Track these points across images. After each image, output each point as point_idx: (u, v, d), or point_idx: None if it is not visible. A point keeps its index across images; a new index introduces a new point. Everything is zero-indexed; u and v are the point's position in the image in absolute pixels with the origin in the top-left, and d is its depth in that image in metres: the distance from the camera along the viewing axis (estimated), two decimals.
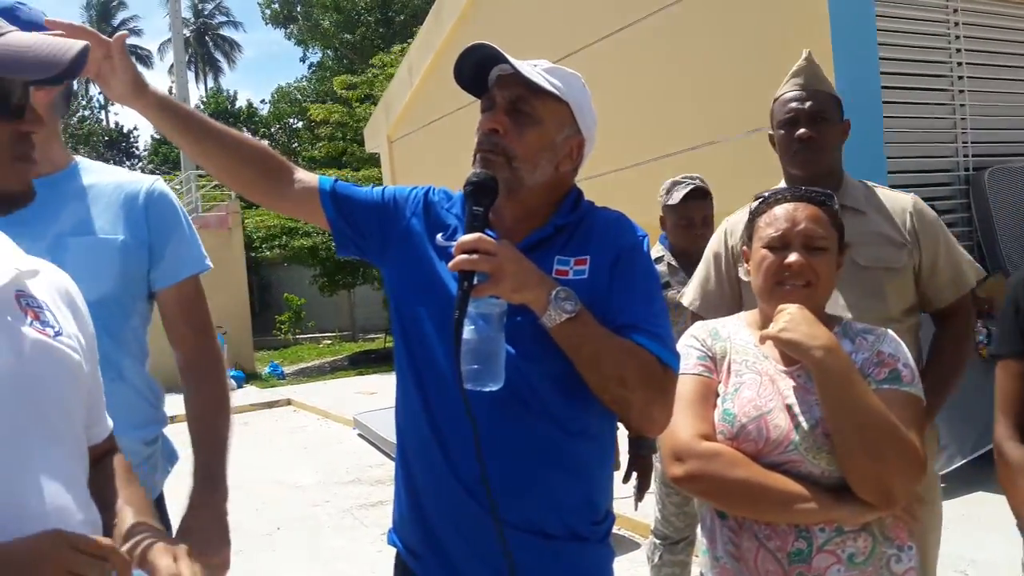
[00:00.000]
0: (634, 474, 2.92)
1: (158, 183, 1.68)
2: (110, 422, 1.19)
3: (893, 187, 2.26)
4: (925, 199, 2.18)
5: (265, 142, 1.64)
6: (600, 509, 1.45)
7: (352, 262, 15.40)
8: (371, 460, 7.18)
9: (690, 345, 1.62)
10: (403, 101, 10.29)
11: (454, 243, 1.29)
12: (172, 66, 24.14)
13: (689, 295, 2.29)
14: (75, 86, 1.70)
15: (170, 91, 16.36)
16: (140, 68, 1.46)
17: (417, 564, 1.45)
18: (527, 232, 1.42)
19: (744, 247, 1.66)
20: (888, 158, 4.81)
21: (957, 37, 5.27)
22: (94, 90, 40.19)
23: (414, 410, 1.44)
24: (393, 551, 1.53)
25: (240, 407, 10.77)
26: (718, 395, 1.54)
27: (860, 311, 1.93)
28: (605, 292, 1.36)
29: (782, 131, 2.10)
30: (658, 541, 3.04)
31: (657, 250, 3.07)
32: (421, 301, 1.43)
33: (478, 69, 1.42)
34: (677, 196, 2.96)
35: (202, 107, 31.19)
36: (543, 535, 1.37)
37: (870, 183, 2.17)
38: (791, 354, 1.48)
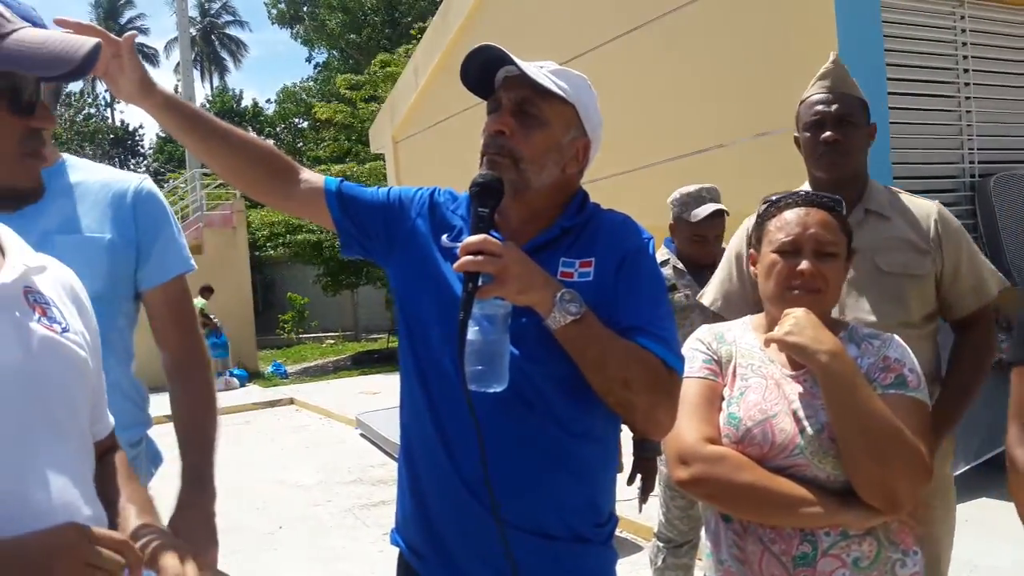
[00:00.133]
0: (638, 476, 2.92)
1: (146, 182, 1.67)
2: (111, 419, 1.19)
3: None
4: None
5: (270, 142, 1.64)
6: (603, 511, 1.45)
7: (356, 262, 15.40)
8: (373, 460, 7.18)
9: (695, 348, 1.61)
10: (408, 102, 10.29)
11: (459, 244, 1.29)
12: (178, 65, 24.19)
13: (710, 295, 2.28)
14: (66, 85, 1.70)
15: (176, 90, 16.41)
16: (147, 66, 1.46)
17: (420, 564, 1.45)
18: (533, 234, 1.42)
19: (752, 250, 1.66)
20: (894, 164, 4.80)
21: (964, 44, 5.26)
22: (100, 87, 40.33)
23: (418, 410, 1.44)
24: (395, 551, 1.53)
25: (243, 406, 10.81)
26: (723, 399, 1.54)
27: (880, 316, 1.94)
28: (610, 294, 1.36)
29: (807, 134, 2.09)
30: (661, 544, 3.03)
31: (662, 253, 3.06)
32: (426, 302, 1.43)
33: (484, 70, 1.42)
34: (700, 215, 2.92)
35: (208, 106, 31.25)
36: (546, 536, 1.37)
37: (894, 188, 2.16)
38: (796, 358, 1.47)
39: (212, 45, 43.02)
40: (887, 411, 1.39)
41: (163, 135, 37.39)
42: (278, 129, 31.17)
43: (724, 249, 3.02)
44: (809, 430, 1.43)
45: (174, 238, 1.69)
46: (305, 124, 28.45)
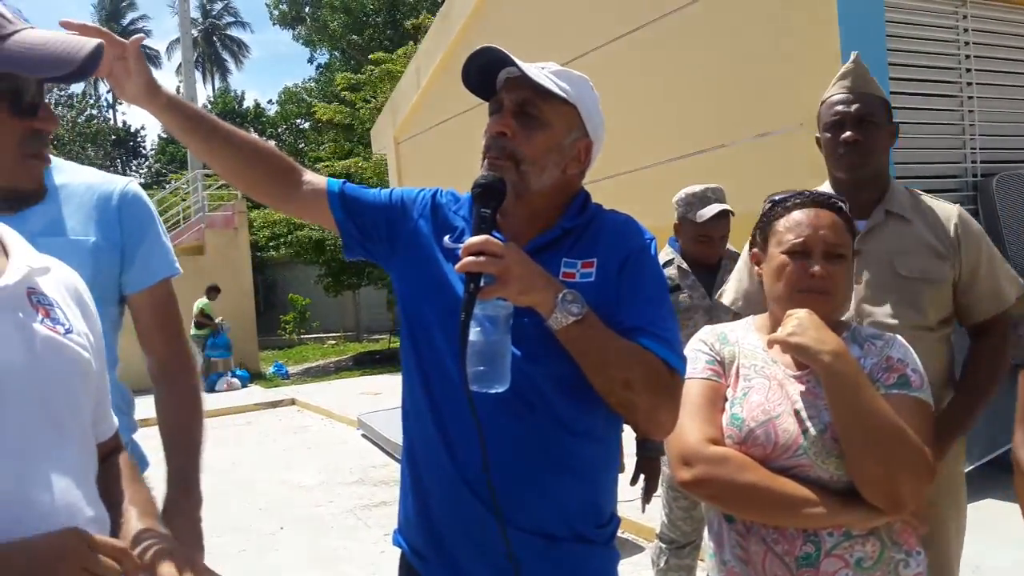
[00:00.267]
0: (641, 477, 2.91)
1: (131, 185, 1.64)
2: (115, 420, 1.19)
3: None
4: None
5: (272, 143, 1.63)
6: (605, 511, 1.45)
7: (357, 262, 15.41)
8: (375, 460, 7.18)
9: (698, 349, 1.61)
10: (410, 102, 10.30)
11: (461, 245, 1.29)
12: (180, 66, 24.20)
13: (729, 295, 2.28)
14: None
15: (178, 91, 16.40)
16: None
17: (422, 565, 1.45)
18: (534, 234, 1.42)
19: (755, 249, 1.65)
20: (896, 163, 4.79)
21: (966, 43, 5.26)
22: (103, 89, 40.37)
23: (420, 411, 1.44)
24: (396, 552, 1.53)
25: (244, 406, 10.81)
26: (726, 399, 1.54)
27: (896, 319, 1.93)
28: (612, 295, 1.36)
29: (828, 134, 2.08)
30: (664, 545, 3.03)
31: (667, 253, 3.05)
32: (428, 303, 1.43)
33: (485, 72, 1.42)
34: (705, 215, 2.91)
35: (209, 107, 31.27)
36: (548, 537, 1.37)
37: (915, 190, 2.14)
38: (800, 358, 1.47)
39: (214, 46, 43.07)
40: (890, 411, 1.39)
41: (165, 136, 37.44)
42: (280, 130, 31.18)
43: (729, 250, 3.03)
44: (812, 431, 1.43)
45: (160, 241, 1.66)
46: (307, 125, 28.48)
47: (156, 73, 1.45)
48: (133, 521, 1.02)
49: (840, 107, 2.05)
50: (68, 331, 1.00)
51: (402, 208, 1.52)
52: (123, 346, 1.67)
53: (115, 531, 1.00)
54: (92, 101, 39.85)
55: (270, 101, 39.54)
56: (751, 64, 5.36)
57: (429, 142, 9.82)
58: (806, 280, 1.50)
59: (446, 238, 1.46)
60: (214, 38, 42.44)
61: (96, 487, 1.01)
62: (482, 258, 1.24)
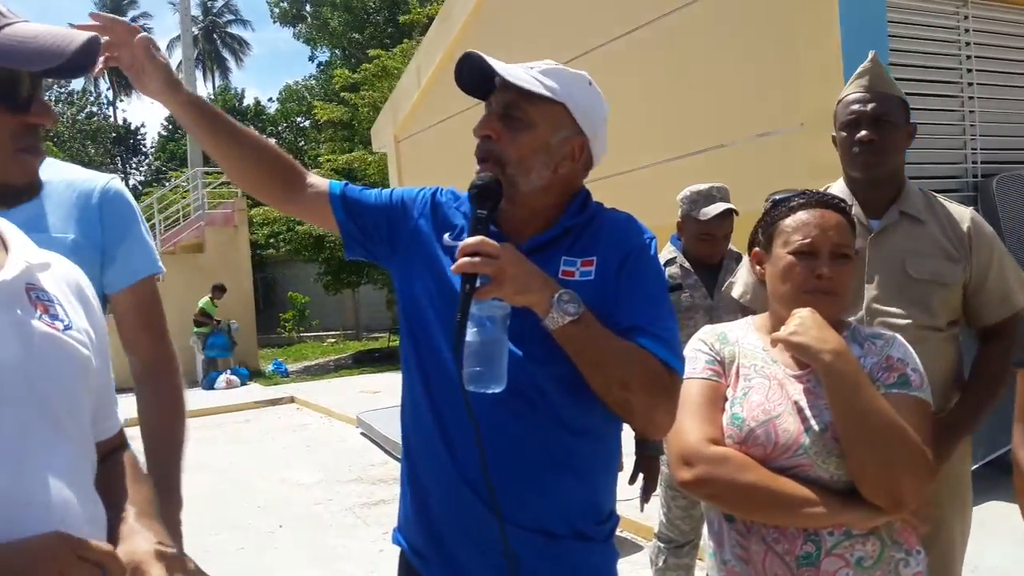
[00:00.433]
0: (640, 476, 2.91)
1: (113, 182, 1.62)
2: (120, 418, 1.18)
3: None
4: None
5: (272, 140, 1.63)
6: (604, 509, 1.46)
7: (357, 261, 15.37)
8: (374, 459, 7.18)
9: (698, 349, 1.61)
10: (411, 100, 10.29)
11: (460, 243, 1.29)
12: (180, 63, 24.20)
13: (739, 287, 2.27)
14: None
15: None
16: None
17: (422, 564, 1.45)
18: (534, 233, 1.43)
19: (757, 248, 1.65)
20: None
21: (967, 44, 5.25)
22: (103, 86, 40.39)
23: (420, 410, 1.45)
24: (395, 550, 1.54)
25: (243, 404, 10.81)
26: (726, 399, 1.54)
27: (907, 319, 1.93)
28: (611, 294, 1.36)
29: (844, 133, 2.07)
30: (663, 545, 3.03)
31: (669, 251, 3.05)
32: (428, 302, 1.43)
33: (479, 74, 1.41)
34: (709, 213, 2.89)
35: None
36: (547, 534, 1.37)
37: (930, 192, 2.13)
38: (801, 357, 1.47)
39: (214, 44, 43.04)
40: (891, 410, 1.39)
41: (165, 134, 37.44)
42: (280, 128, 31.17)
43: (731, 249, 3.03)
44: (813, 430, 1.43)
45: (142, 239, 1.63)
46: (307, 123, 28.48)
47: (140, 83, 1.45)
48: (130, 521, 1.01)
49: (856, 106, 2.04)
50: (67, 327, 0.99)
51: (402, 208, 1.53)
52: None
53: (113, 530, 0.99)
54: (92, 98, 39.89)
55: (270, 99, 39.53)
56: (751, 64, 5.36)
57: (430, 140, 9.82)
58: (813, 281, 1.49)
59: (446, 236, 1.47)
60: (214, 36, 42.41)
61: (94, 486, 1.00)
62: (477, 259, 1.25)
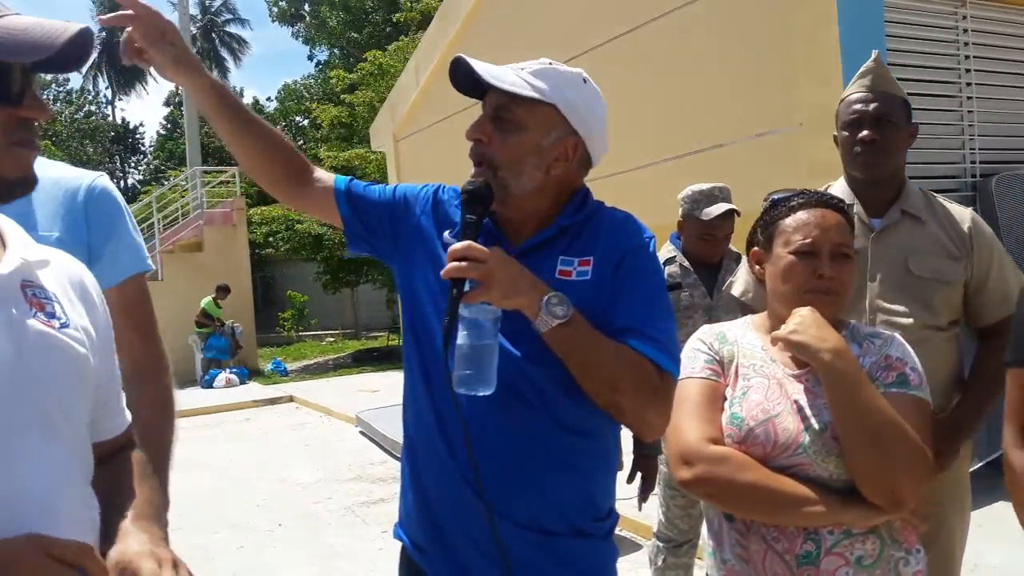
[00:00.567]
0: (638, 475, 2.92)
1: (100, 179, 1.59)
2: (128, 416, 1.16)
3: None
4: None
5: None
6: (603, 507, 1.46)
7: (355, 260, 15.41)
8: (373, 458, 7.18)
9: (697, 349, 1.61)
10: (409, 100, 10.29)
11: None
12: None
13: (739, 286, 2.28)
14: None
15: (177, 88, 16.34)
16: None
17: (422, 558, 1.47)
18: (531, 232, 1.43)
19: (757, 248, 1.65)
20: None
21: (966, 44, 5.25)
22: (101, 84, 40.33)
23: (421, 406, 1.46)
24: (395, 549, 1.55)
25: (243, 403, 10.81)
26: (726, 399, 1.54)
27: (910, 318, 1.94)
28: (607, 294, 1.37)
29: (845, 132, 2.07)
30: (661, 544, 3.03)
31: (669, 250, 3.05)
32: (429, 298, 1.44)
33: (473, 76, 1.41)
34: (712, 213, 2.89)
35: None
36: (545, 532, 1.38)
37: (929, 192, 2.14)
38: (800, 356, 1.47)
39: (213, 43, 42.92)
40: (890, 409, 1.40)
41: (163, 133, 37.40)
42: (279, 127, 31.06)
43: (730, 249, 3.03)
44: (812, 429, 1.43)
45: (129, 236, 1.60)
46: (306, 122, 28.46)
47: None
48: (127, 522, 0.99)
49: (858, 106, 2.05)
50: (64, 326, 0.97)
51: (405, 205, 1.54)
52: None
53: (112, 532, 0.97)
54: (91, 97, 39.82)
55: (269, 98, 39.52)
56: (750, 63, 5.36)
57: (428, 140, 9.81)
58: (814, 281, 1.50)
59: (446, 233, 1.47)
60: (213, 35, 42.28)
61: (87, 487, 0.99)
62: (463, 264, 1.26)
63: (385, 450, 7.27)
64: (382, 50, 17.05)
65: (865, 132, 2.01)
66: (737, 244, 2.85)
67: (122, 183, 38.03)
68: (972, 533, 2.12)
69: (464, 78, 1.42)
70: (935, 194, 2.14)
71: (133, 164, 40.97)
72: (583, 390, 1.33)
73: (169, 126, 37.59)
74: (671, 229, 3.12)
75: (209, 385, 12.61)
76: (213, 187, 16.77)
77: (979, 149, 5.32)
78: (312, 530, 5.19)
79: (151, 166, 38.14)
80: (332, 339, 19.90)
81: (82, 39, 0.94)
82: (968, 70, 5.27)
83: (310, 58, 36.17)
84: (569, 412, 1.37)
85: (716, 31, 5.67)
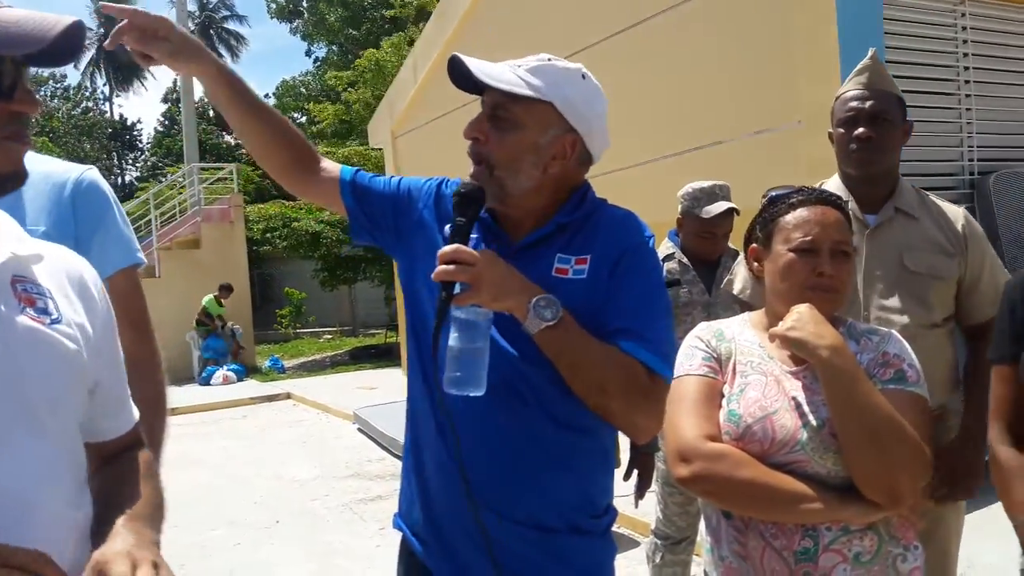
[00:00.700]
0: (635, 472, 2.92)
1: (88, 173, 1.57)
2: (135, 414, 1.14)
3: None
4: None
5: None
6: (600, 503, 1.47)
7: (353, 257, 15.41)
8: (370, 455, 7.18)
9: (695, 346, 1.61)
10: (407, 97, 10.27)
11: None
12: None
13: (738, 283, 2.29)
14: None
15: (174, 84, 16.32)
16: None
17: (422, 549, 1.48)
18: (529, 230, 1.43)
19: (754, 244, 1.65)
20: None
21: (964, 41, 5.25)
22: (99, 81, 40.23)
23: (422, 400, 1.47)
24: (392, 546, 1.55)
25: (240, 400, 10.80)
26: (723, 396, 1.54)
27: (905, 314, 1.94)
28: (602, 293, 1.36)
29: (841, 130, 2.08)
30: (659, 541, 3.03)
31: (667, 247, 3.05)
32: (429, 295, 1.44)
33: (470, 74, 1.40)
34: (712, 211, 2.89)
35: (206, 100, 31.11)
36: (544, 529, 1.38)
37: (922, 190, 2.15)
38: (798, 353, 1.47)
39: (210, 39, 42.81)
40: (888, 406, 1.39)
41: (161, 130, 37.33)
42: None
43: (729, 247, 3.03)
44: (810, 426, 1.43)
45: (118, 229, 1.58)
46: (304, 119, 28.42)
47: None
48: (118, 523, 0.96)
49: (854, 103, 2.05)
50: (55, 321, 0.96)
51: (408, 198, 1.55)
52: None
53: (107, 532, 0.95)
54: (88, 94, 39.73)
55: (267, 95, 39.38)
56: (749, 61, 5.36)
57: (426, 137, 9.80)
58: (814, 278, 1.50)
59: (447, 228, 1.47)
60: (211, 31, 42.16)
61: (75, 486, 0.97)
62: (452, 267, 1.26)
63: (383, 447, 7.27)
64: (378, 48, 17.07)
65: (861, 129, 2.02)
66: (735, 241, 2.85)
67: (119, 180, 37.93)
68: (967, 531, 2.12)
69: (462, 76, 1.42)
70: (926, 192, 2.15)
71: (131, 161, 40.90)
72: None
73: (167, 123, 37.50)
74: (670, 226, 3.11)
75: (207, 382, 12.60)
76: (211, 184, 16.74)
77: (977, 147, 5.32)
78: (309, 527, 5.19)
79: (149, 163, 38.06)
80: (330, 336, 19.90)
81: (75, 32, 0.93)
82: (967, 68, 5.27)
83: (308, 54, 36.11)
84: (566, 410, 1.36)
85: (715, 28, 5.66)
